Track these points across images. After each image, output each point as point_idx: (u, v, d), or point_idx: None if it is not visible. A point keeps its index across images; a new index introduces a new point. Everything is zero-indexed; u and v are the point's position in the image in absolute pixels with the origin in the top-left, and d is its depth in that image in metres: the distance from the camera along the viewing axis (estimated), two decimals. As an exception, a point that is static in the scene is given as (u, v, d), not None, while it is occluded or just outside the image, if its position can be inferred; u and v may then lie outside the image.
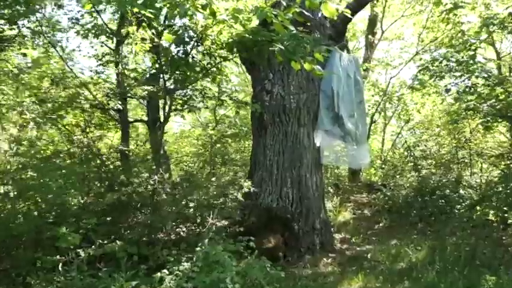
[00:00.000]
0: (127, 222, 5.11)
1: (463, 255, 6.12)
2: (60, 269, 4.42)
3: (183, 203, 5.16)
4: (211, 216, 4.91)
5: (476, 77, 6.74)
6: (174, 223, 5.29)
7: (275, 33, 4.63)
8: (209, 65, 4.96)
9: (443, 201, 8.51)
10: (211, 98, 6.76)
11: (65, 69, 7.73)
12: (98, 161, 5.90)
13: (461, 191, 8.89)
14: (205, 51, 5.06)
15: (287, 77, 6.86)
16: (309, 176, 6.90)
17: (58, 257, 4.43)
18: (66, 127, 6.94)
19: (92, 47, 6.85)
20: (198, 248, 4.81)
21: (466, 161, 9.95)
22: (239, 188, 5.42)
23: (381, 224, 8.34)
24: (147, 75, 7.08)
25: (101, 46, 6.81)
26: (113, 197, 4.78)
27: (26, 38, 8.01)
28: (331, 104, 6.83)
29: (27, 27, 7.93)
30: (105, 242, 4.64)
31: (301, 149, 6.86)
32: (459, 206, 8.35)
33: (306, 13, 6.98)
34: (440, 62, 7.18)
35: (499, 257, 6.12)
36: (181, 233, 5.56)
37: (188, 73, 5.15)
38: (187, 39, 4.65)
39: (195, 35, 4.62)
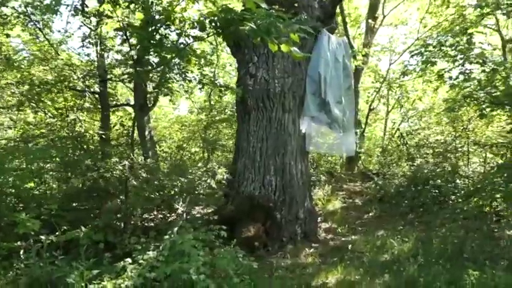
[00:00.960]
0: (95, 208, 4.93)
1: (450, 248, 5.91)
2: (21, 256, 4.26)
3: (152, 189, 4.94)
4: (180, 203, 4.68)
5: (471, 62, 6.40)
6: (143, 210, 5.09)
7: (250, 12, 4.34)
8: (181, 45, 4.71)
9: (436, 191, 8.25)
10: (190, 81, 6.50)
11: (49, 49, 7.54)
12: (71, 145, 5.69)
13: (458, 181, 8.62)
14: (176, 31, 4.80)
15: (272, 60, 6.58)
16: (294, 163, 6.67)
17: (19, 243, 4.26)
18: (48, 110, 6.73)
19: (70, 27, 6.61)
20: (166, 237, 4.62)
21: (463, 150, 9.62)
22: (212, 175, 5.17)
23: (370, 214, 8.12)
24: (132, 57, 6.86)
25: (79, 27, 6.57)
26: (78, 182, 4.58)
27: (8, 18, 7.81)
28: (318, 90, 6.56)
29: (12, 7, 7.74)
30: (67, 228, 4.46)
31: (286, 136, 6.61)
32: (453, 197, 8.11)
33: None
34: (434, 47, 6.84)
35: (487, 251, 5.87)
36: (152, 221, 5.37)
37: (162, 54, 4.90)
38: (157, 17, 4.40)
39: (161, 12, 4.37)
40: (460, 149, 9.70)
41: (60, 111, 6.46)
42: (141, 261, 4.27)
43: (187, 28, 4.44)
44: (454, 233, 6.44)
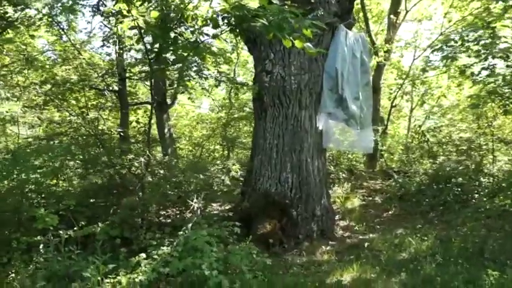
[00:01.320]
0: (113, 205, 5.03)
1: (471, 248, 5.77)
2: (41, 250, 4.39)
3: (167, 186, 5.01)
4: (194, 200, 4.73)
5: (494, 57, 6.20)
6: (159, 206, 5.17)
7: (262, 9, 4.35)
8: (195, 43, 4.74)
9: (459, 189, 8.06)
10: (207, 78, 6.54)
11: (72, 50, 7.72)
12: (91, 143, 5.83)
13: (482, 180, 8.40)
14: (189, 29, 4.84)
15: (288, 57, 6.55)
16: (310, 160, 6.63)
17: (38, 237, 4.40)
18: (71, 109, 6.91)
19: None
20: (180, 233, 4.69)
21: (488, 147, 9.35)
22: (227, 172, 5.20)
23: (390, 212, 7.99)
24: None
25: (100, 27, 6.71)
26: (96, 179, 4.69)
27: (32, 20, 8.03)
28: (335, 86, 6.49)
29: (36, 9, 7.96)
30: (85, 224, 4.57)
31: (302, 133, 6.58)
32: (477, 196, 7.92)
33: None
34: (455, 42, 6.66)
35: (509, 251, 5.70)
36: (169, 217, 5.44)
37: (178, 52, 4.95)
38: (172, 15, 4.44)
39: (174, 10, 4.40)
40: (484, 147, 9.42)
41: (82, 109, 6.62)
42: (155, 256, 4.34)
43: (200, 26, 4.47)
44: (475, 232, 6.29)
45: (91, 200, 5.00)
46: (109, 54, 7.43)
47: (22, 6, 7.50)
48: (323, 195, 6.80)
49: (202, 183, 5.37)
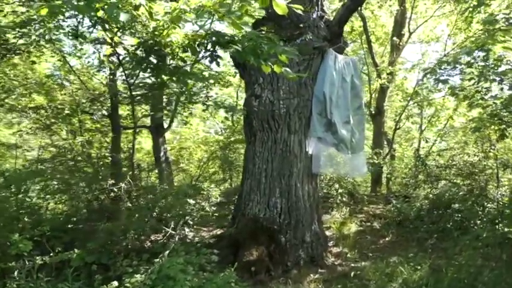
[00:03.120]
0: (91, 230, 4.99)
1: (465, 279, 5.53)
2: (15, 276, 4.36)
3: (145, 212, 4.95)
4: (171, 226, 4.66)
5: (486, 80, 6.06)
6: (139, 232, 5.10)
7: (236, 35, 4.36)
8: (175, 69, 4.76)
9: (459, 215, 7.81)
10: (196, 103, 6.56)
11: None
12: (75, 167, 5.85)
13: (486, 205, 8.12)
14: (168, 54, 4.87)
15: (277, 81, 6.52)
16: (300, 185, 6.52)
17: (13, 263, 4.38)
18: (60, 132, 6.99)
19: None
20: (156, 260, 4.60)
21: (491, 171, 9.07)
22: (207, 198, 5.13)
23: (386, 239, 7.76)
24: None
25: (93, 52, 6.82)
26: (72, 203, 4.68)
27: (32, 46, 8.20)
28: (324, 110, 6.42)
29: (37, 35, 8.15)
30: (61, 249, 4.53)
31: (292, 157, 6.49)
32: (479, 222, 7.64)
33: (301, 14, 6.68)
34: (448, 64, 6.55)
35: (507, 282, 5.45)
36: (149, 243, 5.37)
37: (160, 77, 4.98)
38: (150, 42, 4.49)
39: (148, 37, 4.45)
40: (488, 171, 9.15)
41: (72, 133, 6.69)
42: (127, 284, 4.26)
43: (178, 51, 4.50)
44: (471, 262, 6.03)
45: (69, 226, 4.99)
46: (105, 79, 7.54)
47: (22, 33, 7.66)
48: (314, 221, 6.64)
49: (181, 209, 5.27)
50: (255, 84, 6.67)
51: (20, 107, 7.98)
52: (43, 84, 8.55)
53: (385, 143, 13.64)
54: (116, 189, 5.00)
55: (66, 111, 6.64)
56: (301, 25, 6.60)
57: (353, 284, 5.73)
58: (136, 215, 4.99)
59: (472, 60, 6.38)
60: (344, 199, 10.10)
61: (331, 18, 6.90)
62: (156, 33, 4.27)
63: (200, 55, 4.59)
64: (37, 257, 4.45)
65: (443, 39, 13.88)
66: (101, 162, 6.30)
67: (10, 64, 9.02)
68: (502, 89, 6.11)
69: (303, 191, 6.54)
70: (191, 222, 5.29)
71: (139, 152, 9.36)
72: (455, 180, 9.64)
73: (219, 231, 7.48)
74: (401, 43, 12.93)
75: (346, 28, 13.79)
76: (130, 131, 10.08)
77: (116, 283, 4.26)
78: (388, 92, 13.04)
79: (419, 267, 6.09)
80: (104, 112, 6.54)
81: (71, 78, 8.47)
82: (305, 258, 6.34)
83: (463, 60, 6.41)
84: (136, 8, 3.43)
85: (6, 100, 8.82)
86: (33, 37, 7.87)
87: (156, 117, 8.83)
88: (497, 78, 5.95)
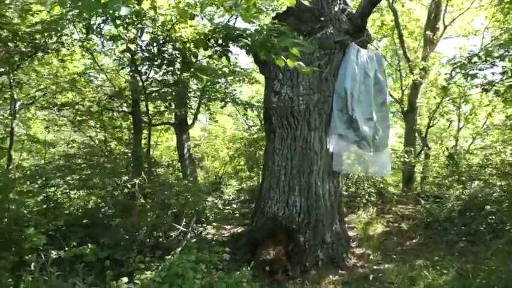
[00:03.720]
0: (105, 226, 5.03)
1: (494, 285, 5.18)
2: (31, 268, 4.44)
3: (159, 207, 4.93)
4: (182, 223, 4.62)
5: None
6: (151, 228, 5.09)
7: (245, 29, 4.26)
8: (186, 65, 4.72)
9: (493, 217, 7.37)
10: (210, 100, 6.50)
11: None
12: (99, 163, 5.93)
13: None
14: (182, 50, 4.82)
15: (297, 77, 6.37)
16: (320, 183, 6.34)
17: (28, 257, 4.47)
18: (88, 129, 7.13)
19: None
20: (168, 257, 4.58)
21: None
22: (219, 195, 5.06)
23: (414, 241, 7.43)
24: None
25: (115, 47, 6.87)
26: (85, 199, 4.73)
27: (62, 45, 8.41)
28: (345, 106, 6.21)
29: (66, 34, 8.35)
30: (76, 244, 4.59)
31: (312, 155, 6.32)
32: (516, 225, 7.18)
33: (323, 7, 6.51)
34: (480, 58, 6.16)
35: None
36: (162, 240, 5.36)
37: (175, 73, 4.96)
38: (162, 37, 4.46)
39: (159, 32, 4.42)
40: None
41: (95, 130, 6.82)
42: (136, 280, 4.25)
43: (189, 46, 4.44)
44: (503, 268, 5.65)
45: (83, 221, 5.06)
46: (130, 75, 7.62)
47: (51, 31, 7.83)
48: (335, 221, 6.45)
49: (194, 206, 5.22)
50: (274, 80, 6.54)
51: (51, 105, 8.21)
52: (74, 82, 8.78)
53: (420, 141, 13.13)
54: (129, 185, 5.02)
55: (93, 108, 6.77)
56: (322, 18, 6.41)
57: (373, 287, 5.50)
58: (149, 212, 4.99)
59: (506, 53, 5.96)
60: (372, 198, 9.81)
61: (354, 11, 6.66)
62: (165, 28, 4.24)
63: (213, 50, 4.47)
64: (52, 252, 4.52)
65: (482, 33, 13.15)
66: (120, 158, 6.33)
67: (42, 63, 9.26)
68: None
69: (323, 190, 6.36)
70: (206, 220, 5.21)
71: (168, 149, 9.41)
72: (490, 180, 9.18)
73: (240, 229, 7.41)
74: (435, 37, 12.40)
75: (378, 22, 13.43)
76: (159, 127, 10.24)
77: (125, 279, 4.26)
78: (421, 88, 12.53)
79: (445, 272, 5.77)
80: (125, 109, 6.61)
81: (100, 76, 8.64)
82: (325, 258, 6.16)
83: (495, 54, 6.01)
84: (139, 2, 3.38)
85: (40, 98, 9.13)
86: (64, 36, 8.06)
87: (180, 114, 8.88)
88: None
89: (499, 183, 9.08)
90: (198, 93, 8.12)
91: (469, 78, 6.24)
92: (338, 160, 6.33)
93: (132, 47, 4.55)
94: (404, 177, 12.16)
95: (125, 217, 4.87)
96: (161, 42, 4.46)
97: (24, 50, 7.40)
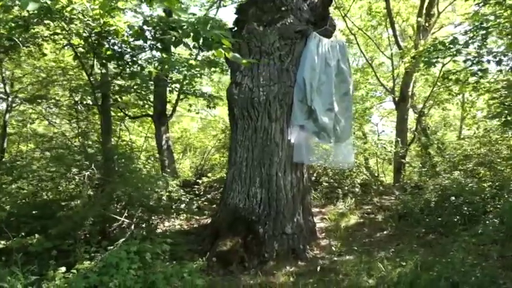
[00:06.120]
0: (53, 217, 5.13)
1: (450, 277, 5.09)
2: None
3: (105, 199, 5.00)
4: (125, 214, 4.67)
5: (478, 61, 5.45)
6: (97, 219, 5.14)
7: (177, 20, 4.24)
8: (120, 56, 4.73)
9: (469, 209, 7.21)
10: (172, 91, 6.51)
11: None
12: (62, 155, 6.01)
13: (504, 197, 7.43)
14: (123, 42, 4.83)
15: (257, 68, 6.32)
16: (282, 175, 6.31)
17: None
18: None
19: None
20: (110, 247, 4.66)
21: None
22: (165, 187, 5.08)
23: (384, 232, 7.35)
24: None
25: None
26: (31, 192, 4.83)
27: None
28: (305, 97, 6.14)
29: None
30: (24, 235, 4.70)
31: (273, 146, 6.29)
32: (492, 217, 7.01)
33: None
34: (444, 45, 5.96)
35: (497, 284, 4.96)
36: (113, 230, 5.44)
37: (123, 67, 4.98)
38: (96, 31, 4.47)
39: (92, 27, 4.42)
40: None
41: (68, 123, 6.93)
42: (73, 270, 4.34)
43: (128, 39, 4.45)
44: (465, 260, 5.54)
45: (33, 212, 5.17)
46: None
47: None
48: (297, 212, 6.42)
49: (136, 197, 5.27)
50: (236, 72, 6.51)
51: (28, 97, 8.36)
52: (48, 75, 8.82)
53: (411, 129, 12.91)
54: (77, 177, 5.10)
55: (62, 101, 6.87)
56: (283, 8, 6.32)
57: (328, 278, 5.47)
58: (95, 204, 5.06)
59: (470, 41, 5.77)
60: (356, 189, 9.73)
61: (316, 1, 6.54)
62: (97, 22, 4.26)
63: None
64: (-1, 242, 4.63)
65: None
66: (81, 150, 6.38)
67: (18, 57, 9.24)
68: (500, 70, 5.49)
69: (284, 181, 6.33)
70: (154, 211, 5.25)
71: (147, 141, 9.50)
72: (480, 171, 8.98)
73: (208, 221, 7.46)
74: (428, 24, 12.08)
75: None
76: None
77: (63, 269, 4.35)
78: (413, 77, 12.27)
79: (403, 264, 5.70)
80: (89, 101, 6.69)
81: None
82: (285, 250, 6.14)
83: (460, 40, 5.82)
84: (52, -4, 3.40)
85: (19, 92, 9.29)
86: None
87: (158, 106, 8.93)
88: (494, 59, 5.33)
89: (487, 173, 8.87)
90: (177, 85, 8.13)
91: (431, 66, 6.05)
92: (299, 151, 6.27)
93: (76, 41, 4.59)
94: (395, 167, 12.00)
95: (71, 208, 4.96)
96: (94, 35, 4.47)
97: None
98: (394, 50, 13.19)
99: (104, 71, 6.52)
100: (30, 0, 3.26)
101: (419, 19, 11.88)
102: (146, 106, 8.70)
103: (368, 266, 5.69)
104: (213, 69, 8.10)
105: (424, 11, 12.27)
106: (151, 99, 8.98)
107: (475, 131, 10.59)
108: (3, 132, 10.49)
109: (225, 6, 10.86)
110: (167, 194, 5.59)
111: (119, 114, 9.24)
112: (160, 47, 4.40)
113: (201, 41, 4.20)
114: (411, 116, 13.70)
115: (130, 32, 4.31)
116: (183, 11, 3.79)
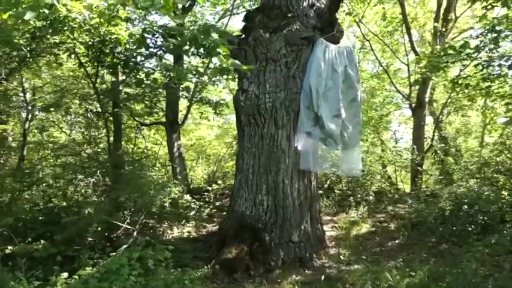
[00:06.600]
0: (58, 223, 5.20)
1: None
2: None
3: (110, 206, 5.04)
4: (127, 221, 4.71)
5: (488, 65, 5.29)
6: (103, 225, 5.20)
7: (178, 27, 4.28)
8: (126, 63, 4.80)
9: (484, 218, 6.97)
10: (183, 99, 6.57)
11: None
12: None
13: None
14: (126, 50, 4.90)
15: (263, 75, 6.30)
16: (288, 182, 6.25)
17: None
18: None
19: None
20: (113, 254, 4.69)
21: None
22: (168, 194, 5.09)
23: (396, 241, 7.17)
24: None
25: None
26: (38, 198, 4.92)
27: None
28: (311, 103, 6.08)
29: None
30: (30, 240, 4.79)
31: (279, 153, 6.24)
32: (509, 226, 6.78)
33: (291, 3, 6.44)
34: (455, 49, 5.81)
35: (509, 296, 4.77)
36: (119, 236, 5.47)
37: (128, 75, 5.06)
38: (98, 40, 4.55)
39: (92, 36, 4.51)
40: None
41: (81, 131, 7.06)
42: (74, 276, 4.38)
43: (129, 47, 4.51)
44: (481, 271, 5.36)
45: (39, 218, 5.26)
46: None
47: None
48: (304, 220, 6.34)
49: (143, 204, 5.30)
50: (243, 79, 6.51)
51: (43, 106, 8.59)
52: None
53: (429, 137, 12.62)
54: (82, 184, 5.18)
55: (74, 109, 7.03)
56: (290, 15, 6.31)
57: (333, 288, 5.37)
58: (93, 209, 5.12)
59: (482, 45, 5.62)
60: (370, 197, 9.57)
61: (323, 6, 6.50)
62: (98, 30, 4.34)
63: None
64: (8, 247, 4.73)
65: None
66: (93, 158, 6.48)
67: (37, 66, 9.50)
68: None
69: (291, 189, 6.27)
70: (158, 217, 5.28)
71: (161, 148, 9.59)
72: (500, 179, 8.71)
73: (216, 228, 7.44)
74: (445, 29, 11.86)
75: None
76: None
77: (66, 274, 4.40)
78: (430, 83, 12.03)
79: (413, 274, 5.55)
80: (99, 109, 6.79)
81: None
82: (291, 258, 6.07)
83: (470, 44, 5.67)
84: (50, 6, 3.48)
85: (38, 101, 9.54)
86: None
87: (170, 114, 9.02)
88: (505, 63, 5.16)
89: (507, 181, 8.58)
90: (186, 93, 8.20)
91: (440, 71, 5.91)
92: (306, 158, 6.20)
93: (80, 50, 4.69)
94: (412, 175, 11.74)
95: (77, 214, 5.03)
96: (97, 44, 4.56)
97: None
98: (411, 56, 12.99)
99: (114, 79, 6.65)
100: (28, 10, 3.35)
101: (435, 24, 11.68)
102: (160, 114, 8.81)
103: (375, 276, 5.57)
104: (229, 76, 8.14)
105: (441, 16, 12.06)
106: (163, 107, 9.09)
107: (497, 138, 10.29)
108: (24, 140, 10.78)
109: (238, 14, 10.95)
110: (169, 200, 5.60)
111: (130, 121, 9.35)
112: (168, 54, 4.45)
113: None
114: (430, 123, 13.42)
115: (132, 40, 4.37)
116: (180, 18, 3.82)
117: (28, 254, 4.90)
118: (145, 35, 4.31)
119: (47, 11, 3.41)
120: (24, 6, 3.37)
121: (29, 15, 3.30)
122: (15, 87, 9.85)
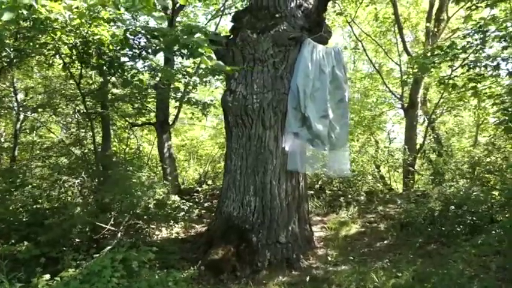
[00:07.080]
0: (43, 225, 5.18)
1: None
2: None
3: (94, 207, 5.02)
4: (110, 222, 4.68)
5: (475, 65, 5.28)
6: (90, 226, 5.17)
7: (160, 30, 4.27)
8: (112, 63, 4.78)
9: (473, 218, 6.98)
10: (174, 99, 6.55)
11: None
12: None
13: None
14: (110, 51, 4.87)
15: (251, 75, 6.29)
16: (276, 183, 6.24)
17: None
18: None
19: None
20: (96, 255, 4.67)
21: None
22: (153, 195, 5.07)
23: (385, 242, 7.17)
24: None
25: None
26: (24, 199, 4.89)
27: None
28: (299, 104, 6.07)
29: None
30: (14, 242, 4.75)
31: (267, 154, 6.23)
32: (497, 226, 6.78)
33: (279, 3, 6.43)
34: (442, 50, 5.81)
35: (494, 296, 4.78)
36: (104, 237, 5.45)
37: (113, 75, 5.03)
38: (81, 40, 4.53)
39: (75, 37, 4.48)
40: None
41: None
42: (56, 278, 4.36)
43: (112, 48, 4.49)
44: (467, 272, 5.36)
45: (24, 219, 5.24)
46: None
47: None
48: (291, 221, 6.33)
49: (128, 205, 5.27)
50: (231, 79, 6.50)
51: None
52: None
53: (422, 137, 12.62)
54: (66, 185, 5.15)
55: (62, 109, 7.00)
56: (277, 15, 6.30)
57: (319, 289, 5.36)
58: (77, 210, 5.09)
59: (468, 45, 5.62)
60: (362, 198, 9.58)
61: (311, 7, 6.49)
62: (80, 31, 4.32)
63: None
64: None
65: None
66: (79, 158, 6.44)
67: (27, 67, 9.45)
68: (498, 75, 5.31)
69: (279, 189, 6.26)
70: (142, 219, 5.25)
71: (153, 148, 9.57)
72: (489, 179, 8.71)
73: (205, 229, 7.43)
74: (437, 29, 11.86)
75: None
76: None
77: (47, 276, 4.37)
78: (422, 83, 12.04)
79: (399, 275, 5.55)
80: (83, 109, 6.75)
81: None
82: (278, 259, 6.05)
83: (458, 45, 5.67)
84: (29, 7, 3.46)
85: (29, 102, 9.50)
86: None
87: (161, 114, 8.99)
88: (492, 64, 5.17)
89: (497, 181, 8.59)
90: (175, 94, 8.18)
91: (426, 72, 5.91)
92: (293, 159, 6.19)
93: (65, 51, 4.66)
94: (404, 175, 11.75)
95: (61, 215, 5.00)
96: (80, 44, 4.53)
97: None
98: (405, 57, 12.99)
99: (101, 80, 6.62)
100: (5, 11, 3.33)
101: (427, 24, 11.69)
102: (152, 114, 8.78)
103: (362, 277, 5.56)
104: (220, 76, 8.13)
105: (433, 16, 12.07)
106: (153, 107, 9.07)
107: (488, 138, 10.30)
108: (15, 141, 10.74)
109: (230, 14, 10.93)
110: (154, 201, 5.58)
111: (122, 122, 9.33)
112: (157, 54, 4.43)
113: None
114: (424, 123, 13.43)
115: (113, 40, 4.35)
116: (161, 18, 3.80)
117: (11, 255, 4.86)
118: (128, 35, 4.29)
119: (25, 12, 3.39)
120: (3, 7, 3.35)
121: (6, 16, 3.28)
122: (7, 88, 9.80)
